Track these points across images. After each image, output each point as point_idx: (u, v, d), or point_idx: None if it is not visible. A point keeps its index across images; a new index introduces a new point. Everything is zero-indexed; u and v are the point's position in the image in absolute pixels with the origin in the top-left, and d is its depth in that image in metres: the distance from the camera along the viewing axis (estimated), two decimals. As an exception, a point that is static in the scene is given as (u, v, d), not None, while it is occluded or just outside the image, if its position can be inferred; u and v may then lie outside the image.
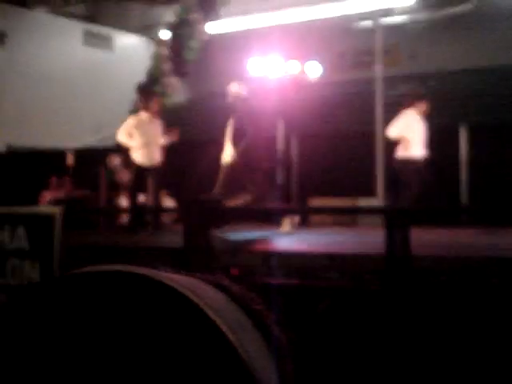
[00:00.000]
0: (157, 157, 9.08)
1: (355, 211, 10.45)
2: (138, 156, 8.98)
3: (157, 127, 9.27)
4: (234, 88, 8.91)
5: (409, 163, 9.18)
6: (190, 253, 5.56)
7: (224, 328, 0.65)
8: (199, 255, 5.50)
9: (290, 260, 5.98)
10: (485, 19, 13.81)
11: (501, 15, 13.58)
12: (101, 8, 21.83)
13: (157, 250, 6.67)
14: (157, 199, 9.16)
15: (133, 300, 0.68)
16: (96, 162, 11.83)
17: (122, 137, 9.10)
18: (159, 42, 12.74)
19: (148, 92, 10.41)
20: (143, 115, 9.19)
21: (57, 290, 0.72)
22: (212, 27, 11.00)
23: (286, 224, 8.42)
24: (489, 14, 13.72)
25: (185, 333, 0.65)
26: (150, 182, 8.95)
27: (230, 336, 0.64)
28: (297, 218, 9.33)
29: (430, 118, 9.63)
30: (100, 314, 0.68)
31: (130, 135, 9.03)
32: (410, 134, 9.22)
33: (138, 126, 9.05)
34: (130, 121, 9.21)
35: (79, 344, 0.67)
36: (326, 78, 14.33)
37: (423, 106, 9.50)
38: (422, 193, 9.24)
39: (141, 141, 8.93)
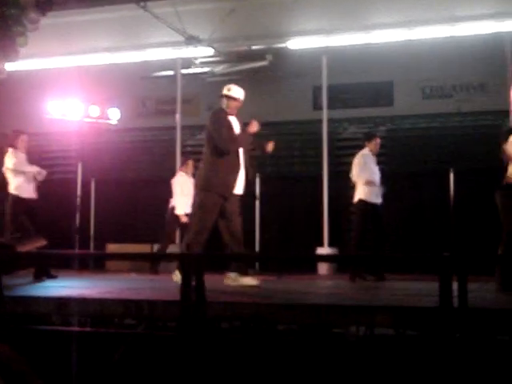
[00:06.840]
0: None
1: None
2: None
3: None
4: None
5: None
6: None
7: None
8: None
9: (86, 306, 5.94)
10: (277, 76, 14.68)
11: (290, 73, 14.49)
12: None
13: None
14: None
15: None
16: None
17: None
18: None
19: None
20: None
21: None
22: (10, 66, 10.72)
23: None
24: (281, 71, 14.56)
25: None
26: None
27: None
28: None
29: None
30: None
31: None
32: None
33: None
34: None
35: None
36: (127, 123, 14.43)
37: (373, 145, 9.64)
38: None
39: None
